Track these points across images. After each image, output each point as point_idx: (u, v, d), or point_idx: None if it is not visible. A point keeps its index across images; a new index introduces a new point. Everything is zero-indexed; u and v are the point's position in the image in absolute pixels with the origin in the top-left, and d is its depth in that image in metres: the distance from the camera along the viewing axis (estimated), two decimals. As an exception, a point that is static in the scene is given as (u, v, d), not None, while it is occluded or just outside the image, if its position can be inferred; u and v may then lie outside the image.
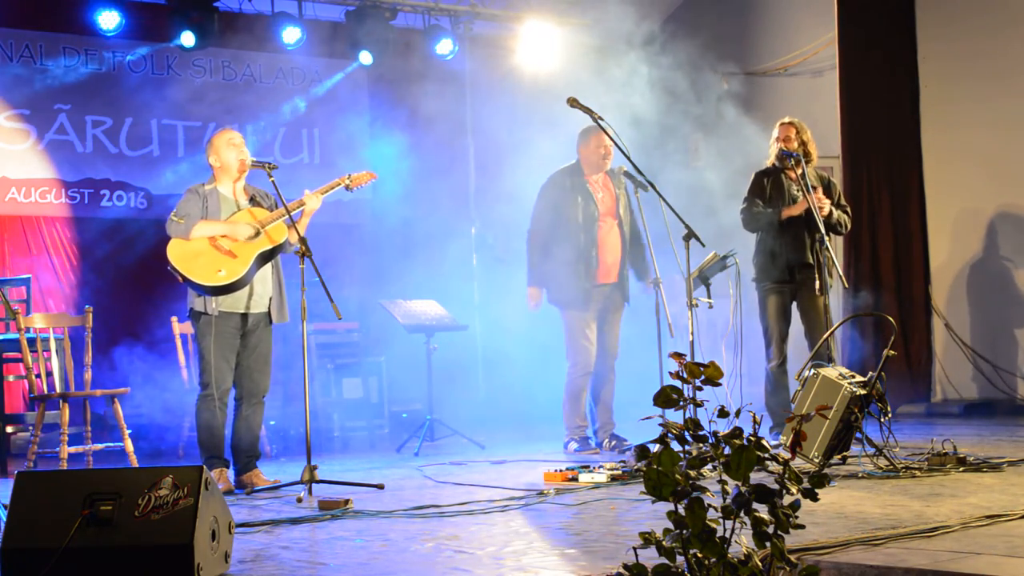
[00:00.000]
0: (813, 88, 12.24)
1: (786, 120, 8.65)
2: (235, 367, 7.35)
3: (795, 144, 8.48)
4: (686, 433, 3.13)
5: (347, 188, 7.51)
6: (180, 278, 7.14)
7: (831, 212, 8.41)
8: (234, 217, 7.28)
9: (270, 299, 7.37)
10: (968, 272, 11.51)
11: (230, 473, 7.30)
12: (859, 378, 6.98)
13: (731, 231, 9.30)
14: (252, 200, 7.44)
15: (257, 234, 7.22)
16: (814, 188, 8.34)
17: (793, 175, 8.55)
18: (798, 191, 8.51)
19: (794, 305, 8.61)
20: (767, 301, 8.57)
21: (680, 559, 3.07)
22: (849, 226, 8.75)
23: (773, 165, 8.67)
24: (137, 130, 11.46)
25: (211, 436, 7.25)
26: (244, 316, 7.29)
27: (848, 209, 8.79)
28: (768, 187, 8.60)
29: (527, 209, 9.15)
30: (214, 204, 7.28)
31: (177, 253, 7.13)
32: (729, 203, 9.29)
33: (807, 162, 8.48)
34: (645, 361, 8.80)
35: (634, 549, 3.20)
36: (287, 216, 7.18)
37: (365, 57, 12.12)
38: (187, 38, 11.14)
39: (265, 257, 7.26)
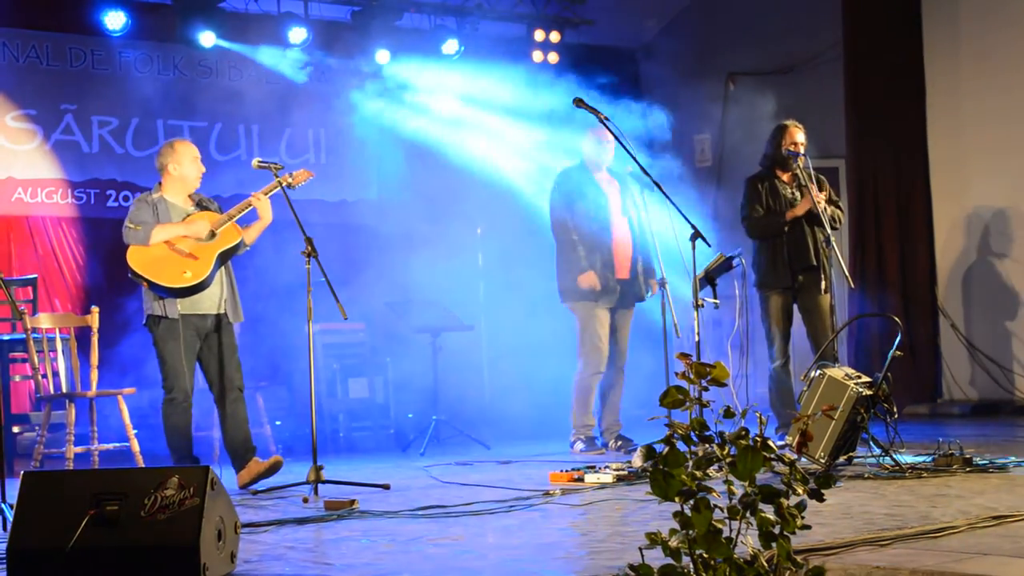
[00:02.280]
0: (819, 89, 12.23)
1: (789, 123, 8.63)
2: (205, 369, 7.44)
3: (801, 148, 8.48)
4: (692, 434, 3.13)
5: (289, 186, 7.51)
6: (145, 284, 7.21)
7: (825, 208, 8.39)
8: (187, 219, 7.35)
9: (224, 300, 7.42)
10: (974, 273, 11.50)
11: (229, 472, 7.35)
12: (865, 378, 6.98)
13: (735, 232, 9.30)
14: (199, 205, 7.51)
15: (213, 235, 7.29)
16: (806, 187, 8.33)
17: (787, 177, 8.57)
18: (793, 193, 8.52)
19: (796, 305, 8.61)
20: (768, 302, 8.56)
21: (686, 559, 3.07)
22: (842, 221, 8.75)
23: (766, 169, 8.66)
24: (143, 130, 11.45)
25: (180, 438, 7.33)
26: (203, 317, 7.35)
27: (841, 205, 8.79)
28: (764, 192, 8.58)
29: (532, 210, 9.16)
30: (164, 213, 7.36)
31: (138, 260, 7.22)
32: (735, 204, 9.28)
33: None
34: (651, 361, 8.80)
35: (640, 549, 3.20)
36: (244, 214, 7.33)
37: (382, 56, 12.12)
38: (206, 38, 11.15)
39: (224, 257, 7.34)
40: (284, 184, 7.43)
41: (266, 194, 7.41)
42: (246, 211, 7.37)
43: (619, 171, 8.96)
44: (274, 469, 7.26)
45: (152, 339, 7.36)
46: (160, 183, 7.49)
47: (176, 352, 7.22)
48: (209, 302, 7.35)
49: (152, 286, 7.18)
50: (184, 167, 7.43)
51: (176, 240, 7.26)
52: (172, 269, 7.17)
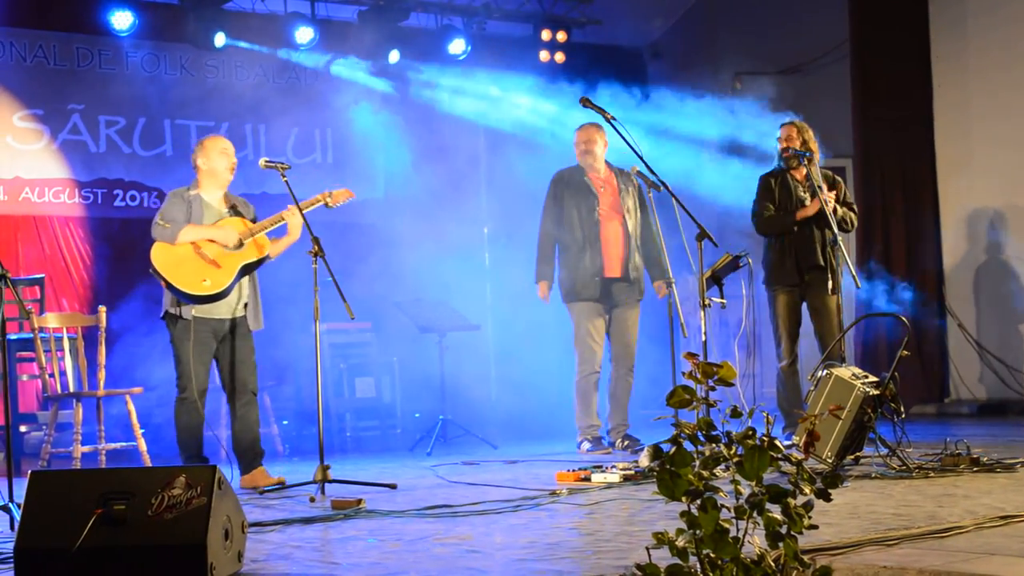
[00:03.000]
0: (826, 87, 12.22)
1: (786, 121, 8.67)
2: (220, 370, 7.43)
3: (797, 143, 8.48)
4: (699, 433, 3.12)
5: (327, 205, 7.50)
6: (163, 283, 7.18)
7: (835, 208, 8.38)
8: (220, 223, 7.32)
9: (245, 305, 7.40)
10: (981, 272, 11.49)
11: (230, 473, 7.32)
12: (872, 378, 6.97)
13: (744, 232, 9.29)
14: (233, 209, 7.47)
15: (241, 244, 7.25)
16: (820, 188, 8.32)
17: (799, 175, 8.56)
18: (805, 191, 8.50)
19: (804, 304, 8.60)
20: (776, 301, 8.57)
21: (693, 559, 3.07)
22: (855, 223, 8.73)
23: (778, 166, 8.66)
24: (150, 130, 11.47)
25: (190, 437, 7.31)
26: (220, 322, 7.33)
27: (855, 207, 8.77)
28: (776, 189, 8.58)
29: (538, 209, 9.17)
30: (198, 210, 7.32)
31: (161, 258, 7.18)
32: (742, 203, 9.28)
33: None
34: (658, 361, 8.79)
35: (647, 549, 3.20)
36: (275, 227, 7.28)
37: (389, 56, 12.15)
38: (219, 39, 11.18)
39: (248, 268, 7.30)
40: (323, 202, 7.43)
41: (303, 209, 7.33)
42: (277, 225, 7.32)
43: (624, 170, 8.96)
44: (277, 486, 7.16)
45: (169, 336, 7.35)
46: (196, 179, 7.48)
47: (189, 352, 7.21)
48: (226, 307, 7.31)
49: (169, 287, 7.17)
50: (212, 161, 7.40)
51: (203, 243, 7.23)
52: (193, 274, 7.14)
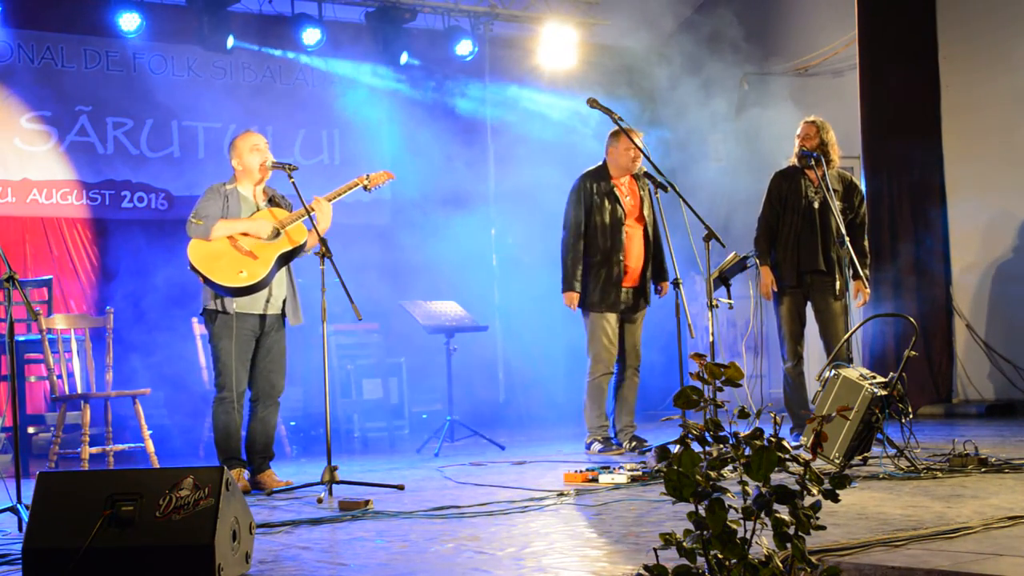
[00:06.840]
0: (833, 88, 12.21)
1: (809, 118, 8.59)
2: (251, 366, 7.35)
3: (815, 143, 8.43)
4: (707, 434, 3.12)
5: (365, 188, 7.48)
6: (201, 279, 7.15)
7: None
8: (254, 216, 7.29)
9: (284, 301, 7.37)
10: (989, 273, 11.47)
11: (246, 473, 7.30)
12: (880, 379, 6.96)
13: (749, 232, 9.28)
14: (271, 201, 7.44)
15: (277, 234, 7.22)
16: (835, 190, 8.29)
17: (813, 176, 8.50)
18: (815, 193, 8.46)
19: (810, 305, 8.57)
20: (779, 303, 8.53)
21: (701, 560, 3.07)
22: (861, 233, 8.65)
23: (793, 165, 8.61)
24: (158, 131, 11.49)
25: (228, 437, 7.23)
26: (261, 317, 7.28)
27: (864, 214, 8.70)
28: (785, 189, 8.54)
29: (546, 210, 9.15)
30: (234, 204, 7.29)
31: (198, 254, 7.14)
32: (749, 204, 9.26)
33: (827, 163, 8.43)
34: (665, 362, 8.78)
35: (655, 550, 3.20)
36: (307, 218, 7.18)
37: (396, 57, 12.18)
38: (229, 42, 11.21)
39: (285, 258, 7.27)
40: (360, 185, 7.41)
41: (333, 198, 7.31)
42: (313, 213, 7.16)
43: (637, 173, 8.90)
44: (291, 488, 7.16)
45: (209, 334, 7.31)
46: (233, 176, 7.47)
47: (229, 350, 7.16)
48: (270, 302, 7.27)
49: (207, 283, 7.14)
50: (244, 159, 7.37)
51: (238, 236, 7.21)
52: (229, 267, 7.10)
